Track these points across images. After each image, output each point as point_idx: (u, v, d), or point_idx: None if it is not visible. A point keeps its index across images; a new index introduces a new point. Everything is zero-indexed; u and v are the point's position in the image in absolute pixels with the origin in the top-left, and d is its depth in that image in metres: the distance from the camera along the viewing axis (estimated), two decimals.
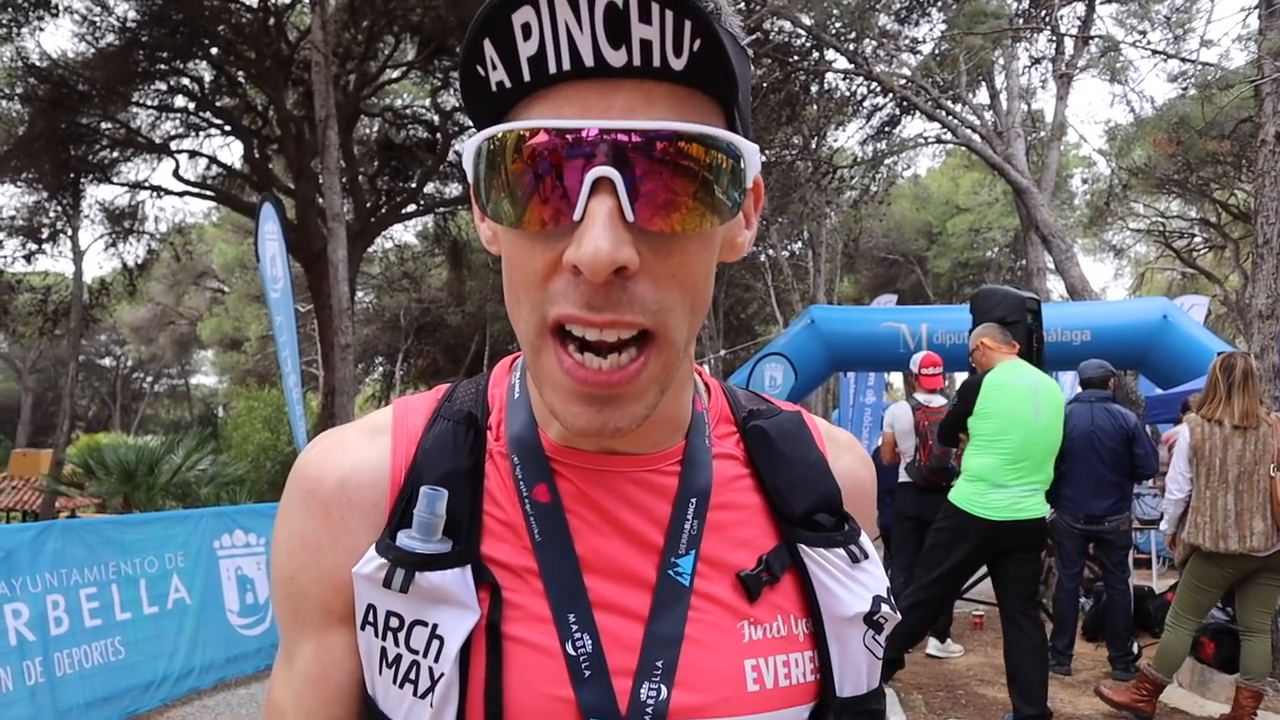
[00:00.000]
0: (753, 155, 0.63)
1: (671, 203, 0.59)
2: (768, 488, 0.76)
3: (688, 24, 0.56)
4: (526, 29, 0.57)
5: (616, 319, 0.59)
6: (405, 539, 0.67)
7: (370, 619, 0.68)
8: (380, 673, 0.68)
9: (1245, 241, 20.54)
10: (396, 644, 0.67)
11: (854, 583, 0.73)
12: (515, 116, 0.61)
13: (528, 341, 0.64)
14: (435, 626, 0.66)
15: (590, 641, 0.67)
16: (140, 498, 10.37)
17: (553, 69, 0.58)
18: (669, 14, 0.55)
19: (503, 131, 0.59)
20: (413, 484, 0.70)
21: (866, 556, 0.75)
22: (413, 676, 0.66)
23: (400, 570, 0.66)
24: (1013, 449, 4.48)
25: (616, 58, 0.57)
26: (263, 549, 6.31)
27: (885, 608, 0.73)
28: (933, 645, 6.45)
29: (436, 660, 0.65)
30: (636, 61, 0.57)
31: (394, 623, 0.67)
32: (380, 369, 33.35)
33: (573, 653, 0.66)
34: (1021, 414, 4.50)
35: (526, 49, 0.57)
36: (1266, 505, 4.66)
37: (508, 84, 0.59)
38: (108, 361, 42.29)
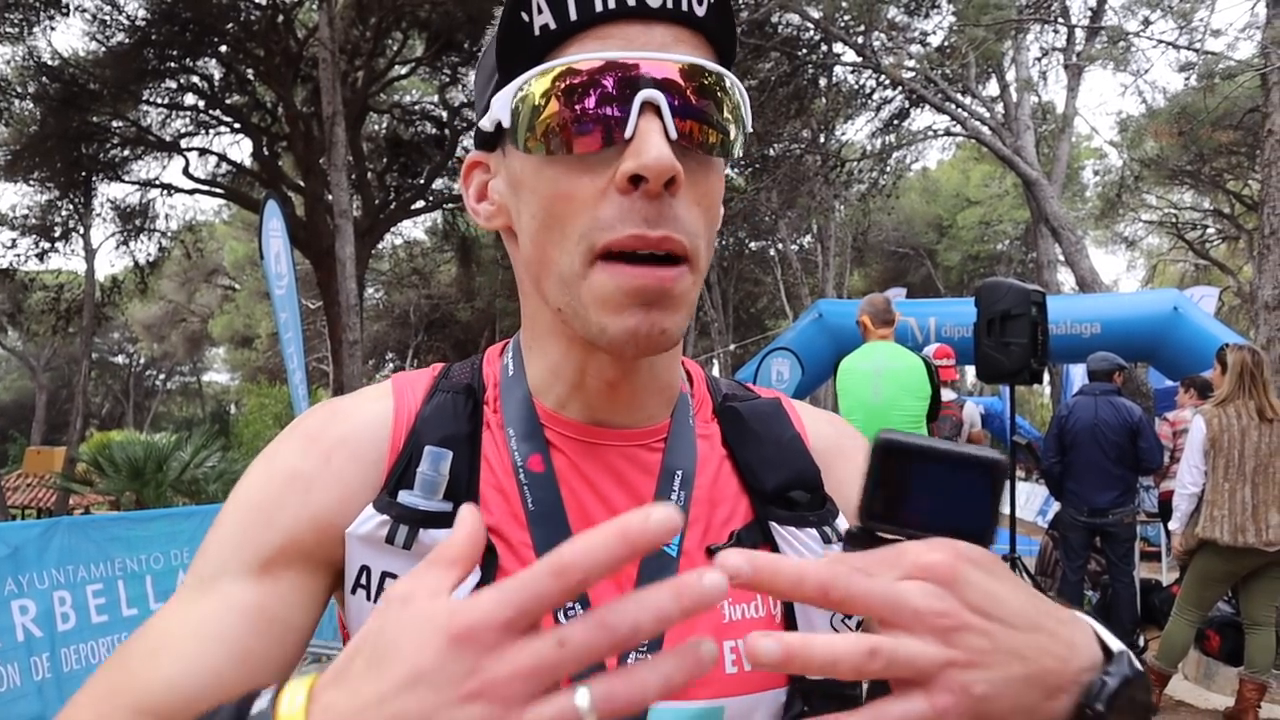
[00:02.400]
0: (746, 102, 0.71)
1: (704, 126, 0.66)
2: (741, 466, 0.77)
3: None
4: None
5: (668, 235, 0.64)
6: (408, 497, 0.69)
7: (363, 581, 0.69)
8: None
9: (1258, 233, 20.39)
10: None
11: None
12: (555, 57, 0.66)
13: (573, 272, 0.66)
14: None
15: (580, 609, 0.67)
16: (150, 495, 10.44)
17: (599, 7, 0.64)
18: None
19: (554, 66, 0.65)
20: (412, 447, 0.72)
21: (840, 537, 0.75)
22: None
23: (404, 527, 0.68)
24: (858, 429, 4.64)
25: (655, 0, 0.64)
26: None
27: None
28: None
29: None
30: (670, 4, 0.65)
31: (389, 584, 0.66)
32: (390, 365, 33.46)
33: (563, 620, 0.66)
34: (861, 395, 4.97)
35: None
36: None
37: (553, 26, 0.65)
38: (120, 359, 42.54)
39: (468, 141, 18.54)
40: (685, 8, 0.65)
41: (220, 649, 0.64)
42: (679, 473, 0.74)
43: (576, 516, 0.72)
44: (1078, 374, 16.29)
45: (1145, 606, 6.52)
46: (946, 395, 6.45)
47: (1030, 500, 15.23)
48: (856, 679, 0.54)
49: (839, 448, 0.83)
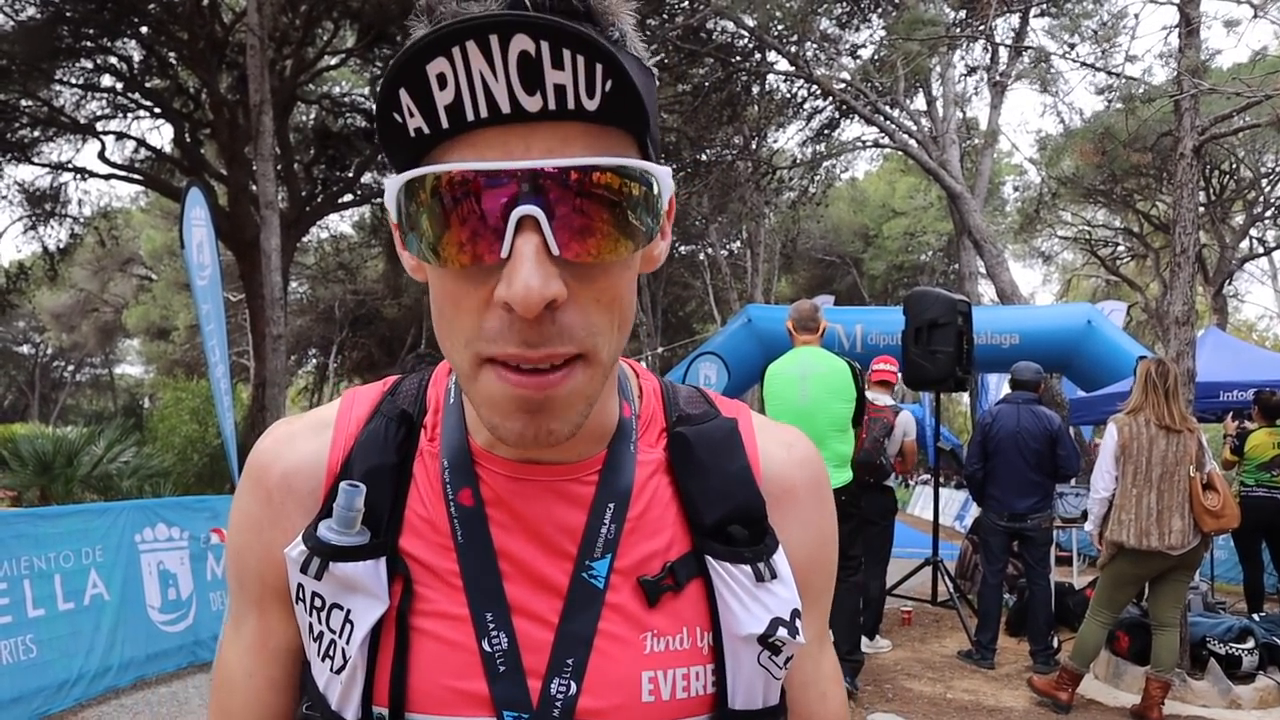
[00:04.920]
0: (665, 179, 0.65)
1: (593, 233, 0.61)
2: (683, 496, 0.76)
3: (599, 67, 0.58)
4: (442, 79, 0.58)
5: (551, 352, 0.61)
6: (324, 529, 0.71)
7: (300, 596, 0.73)
8: (309, 644, 0.74)
9: (1165, 251, 21.28)
10: (319, 621, 0.72)
11: (754, 602, 0.73)
12: (435, 160, 0.62)
13: (463, 373, 0.66)
14: (349, 611, 0.71)
15: (506, 640, 0.70)
16: (58, 490, 9.99)
17: (470, 116, 0.59)
18: (580, 59, 0.57)
19: (426, 174, 0.60)
20: (344, 476, 0.74)
21: (774, 576, 0.74)
22: (330, 653, 0.72)
23: (316, 559, 0.71)
24: None
25: (532, 103, 0.58)
26: (187, 543, 6.13)
27: (783, 631, 0.72)
28: (864, 643, 6.55)
29: (348, 643, 0.71)
30: (551, 106, 0.58)
31: (318, 602, 0.72)
32: (313, 361, 32.73)
33: (489, 649, 0.70)
34: (788, 398, 5.09)
35: (443, 98, 0.58)
36: (1185, 504, 4.85)
37: (426, 131, 0.60)
38: (25, 349, 40.72)
39: None
40: (571, 106, 0.58)
41: (257, 685, 0.80)
42: (611, 506, 0.73)
43: (504, 550, 0.72)
44: (994, 383, 16.79)
45: (1059, 609, 6.75)
46: (884, 400, 6.59)
47: (948, 505, 15.64)
48: None
49: (787, 484, 0.82)
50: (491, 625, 0.70)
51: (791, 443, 0.85)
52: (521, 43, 0.56)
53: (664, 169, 0.65)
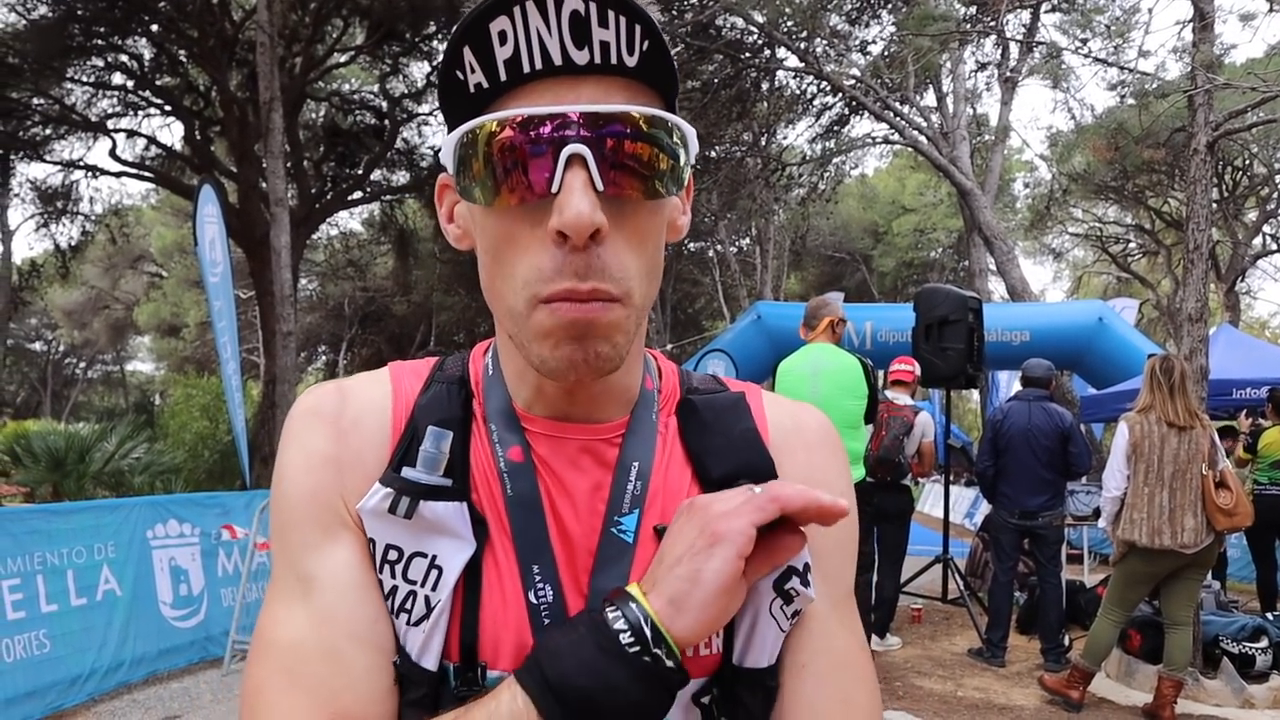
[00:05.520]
0: (692, 136, 0.73)
1: (632, 173, 0.69)
2: (691, 456, 0.81)
3: (638, 28, 0.67)
4: (503, 35, 0.66)
5: (596, 286, 0.68)
6: (411, 472, 0.75)
7: (370, 553, 0.74)
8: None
9: (1177, 248, 21.17)
10: (394, 576, 0.73)
11: None
12: (490, 111, 0.69)
13: (517, 311, 0.71)
14: (434, 557, 0.73)
15: (552, 592, 0.74)
16: (70, 486, 10.03)
17: (526, 69, 0.67)
18: (623, 19, 0.66)
19: (486, 121, 0.68)
20: (413, 429, 0.77)
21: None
22: (408, 606, 0.73)
23: (406, 498, 0.73)
24: None
25: (581, 56, 0.67)
26: (198, 539, 6.15)
27: (796, 580, 0.75)
28: (874, 641, 6.55)
29: (434, 589, 0.73)
30: (597, 59, 0.67)
31: (393, 555, 0.73)
32: (323, 358, 32.78)
33: (534, 601, 0.73)
34: (799, 395, 5.01)
35: (503, 53, 0.67)
36: (1198, 503, 4.82)
37: (485, 85, 0.68)
38: (38, 346, 40.90)
39: (408, 133, 18.28)
40: (614, 61, 0.67)
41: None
42: (635, 465, 0.79)
43: (547, 503, 0.77)
44: (1004, 380, 16.73)
45: (1070, 607, 6.72)
46: (903, 399, 6.58)
47: (958, 503, 15.59)
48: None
49: (792, 443, 0.85)
50: (538, 577, 0.74)
51: (799, 412, 0.89)
52: (573, 3, 0.65)
53: (690, 128, 0.73)
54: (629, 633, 0.64)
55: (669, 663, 0.63)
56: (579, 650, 0.64)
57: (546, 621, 0.73)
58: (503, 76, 0.67)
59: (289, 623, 0.73)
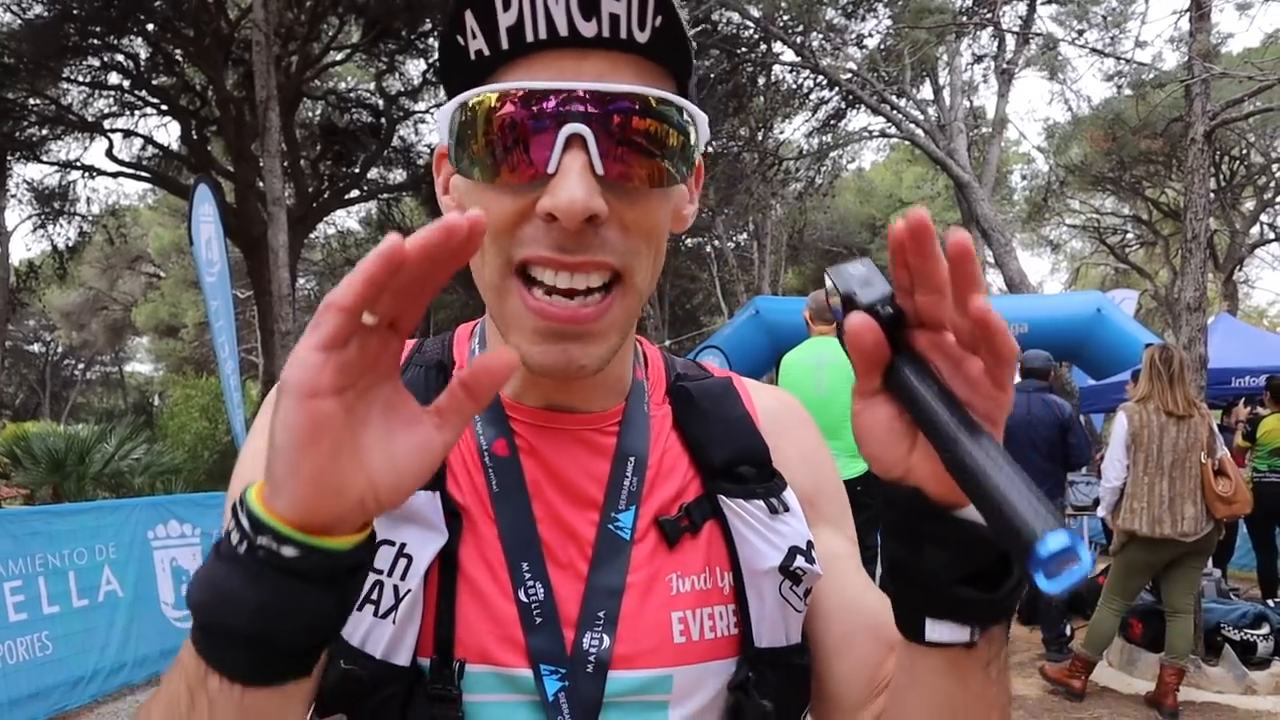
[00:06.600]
0: (703, 123, 0.69)
1: (636, 159, 0.65)
2: (690, 444, 0.80)
3: (650, 2, 0.62)
4: (506, 1, 0.62)
5: (588, 260, 0.64)
6: None
7: None
8: None
9: (1174, 238, 21.18)
10: None
11: (772, 533, 0.76)
12: (490, 81, 0.65)
13: (492, 286, 0.68)
14: (403, 546, 0.69)
15: (543, 590, 0.71)
16: (70, 488, 10.02)
17: (530, 38, 0.63)
18: None
19: (484, 92, 0.64)
20: None
21: (787, 509, 0.77)
22: (374, 596, 0.68)
23: None
24: None
25: (588, 28, 0.62)
26: (199, 540, 6.15)
27: (801, 559, 0.75)
28: None
29: (403, 578, 0.68)
30: (605, 33, 0.63)
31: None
32: None
33: (525, 600, 0.70)
34: (804, 388, 5.03)
35: (506, 19, 0.62)
36: (1197, 491, 4.83)
37: (486, 52, 0.64)
38: (36, 347, 40.85)
39: (404, 131, 18.23)
40: (624, 35, 0.63)
41: None
42: (632, 458, 0.77)
43: (536, 496, 0.74)
44: None
45: (1071, 596, 6.71)
46: None
47: None
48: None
49: (782, 424, 0.85)
50: (528, 575, 0.71)
51: (778, 394, 0.91)
52: None
53: (702, 114, 0.68)
54: (235, 530, 0.52)
55: (287, 550, 0.50)
56: (204, 568, 0.54)
57: (538, 620, 0.70)
58: (505, 44, 0.63)
59: None
